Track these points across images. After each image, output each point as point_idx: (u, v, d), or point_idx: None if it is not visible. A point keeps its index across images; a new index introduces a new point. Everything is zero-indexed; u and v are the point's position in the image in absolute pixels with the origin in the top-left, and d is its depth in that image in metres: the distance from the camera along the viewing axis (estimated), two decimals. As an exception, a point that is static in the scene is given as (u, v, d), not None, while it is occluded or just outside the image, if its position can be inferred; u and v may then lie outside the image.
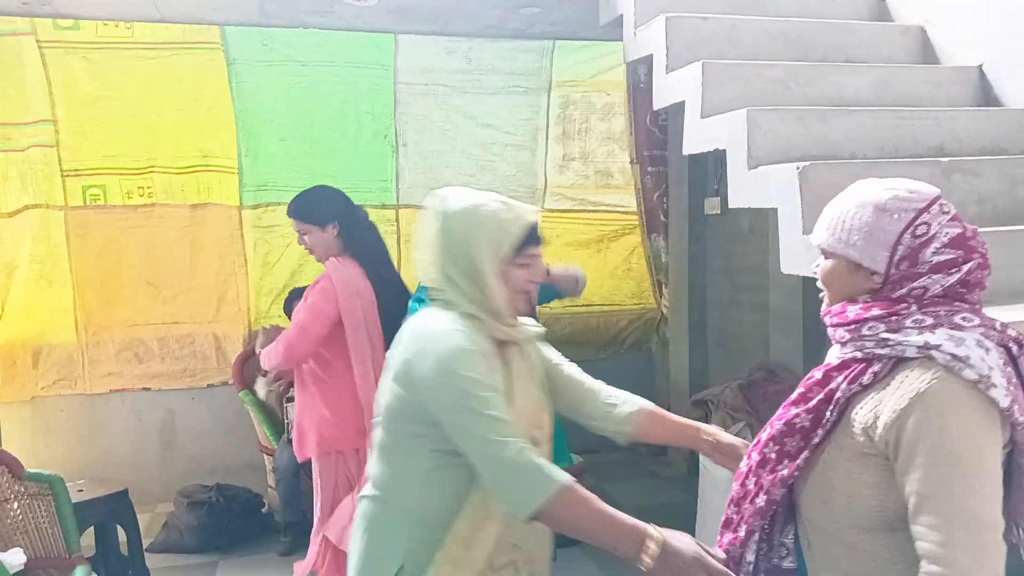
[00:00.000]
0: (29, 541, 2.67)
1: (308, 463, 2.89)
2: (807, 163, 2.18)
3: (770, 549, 1.47)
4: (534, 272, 1.64)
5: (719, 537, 1.53)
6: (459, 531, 1.54)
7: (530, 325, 1.73)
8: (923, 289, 1.28)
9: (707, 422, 3.79)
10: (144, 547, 3.44)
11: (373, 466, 1.64)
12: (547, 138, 4.78)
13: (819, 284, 1.43)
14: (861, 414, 1.31)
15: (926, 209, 1.29)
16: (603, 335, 4.95)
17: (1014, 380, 1.25)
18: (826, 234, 1.38)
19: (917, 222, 1.28)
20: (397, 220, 4.59)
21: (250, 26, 4.20)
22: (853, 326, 1.32)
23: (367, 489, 1.66)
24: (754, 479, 1.46)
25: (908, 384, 1.26)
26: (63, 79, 4.05)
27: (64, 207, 4.14)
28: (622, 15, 3.17)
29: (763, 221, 4.13)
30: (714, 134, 2.60)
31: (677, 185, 4.82)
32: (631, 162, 4.89)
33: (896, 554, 1.28)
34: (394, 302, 2.73)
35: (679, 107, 2.99)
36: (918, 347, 1.25)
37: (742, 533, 1.46)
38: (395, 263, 4.53)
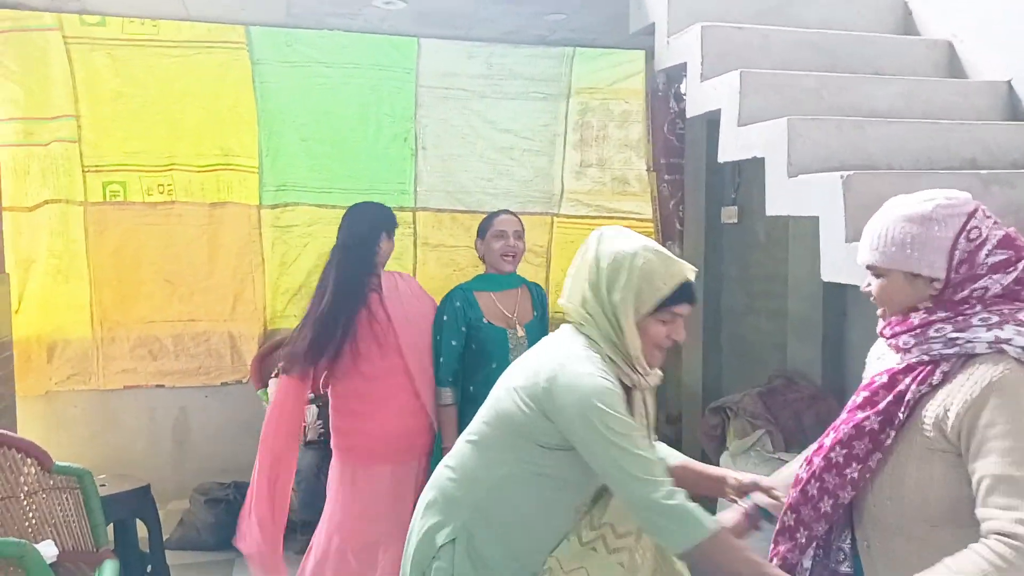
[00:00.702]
0: (57, 534, 2.66)
1: (327, 463, 2.93)
2: (851, 172, 2.21)
3: (826, 555, 1.50)
4: (676, 330, 1.65)
5: (773, 546, 1.56)
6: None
7: (655, 377, 1.74)
8: (984, 289, 1.34)
9: (724, 429, 3.86)
10: (160, 544, 3.43)
11: (462, 447, 1.70)
12: (565, 144, 4.80)
13: (872, 301, 1.47)
14: (931, 410, 1.35)
15: (973, 214, 1.36)
16: (616, 342, 4.96)
17: None
18: (875, 253, 1.43)
19: (969, 227, 1.35)
20: (414, 223, 4.60)
21: (276, 27, 4.21)
22: (919, 330, 1.39)
23: (447, 461, 1.73)
24: (818, 484, 1.49)
25: (979, 375, 1.30)
26: (87, 75, 4.05)
27: (84, 203, 4.13)
28: (653, 23, 3.21)
29: (780, 230, 4.16)
30: (751, 142, 2.63)
31: (694, 193, 4.86)
32: (648, 170, 4.92)
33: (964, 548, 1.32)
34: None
35: (699, 117, 3.03)
36: (988, 342, 1.30)
37: (803, 539, 1.48)
38: (411, 266, 4.64)
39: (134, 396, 4.34)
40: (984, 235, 1.35)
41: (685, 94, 3.93)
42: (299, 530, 3.74)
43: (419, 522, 1.71)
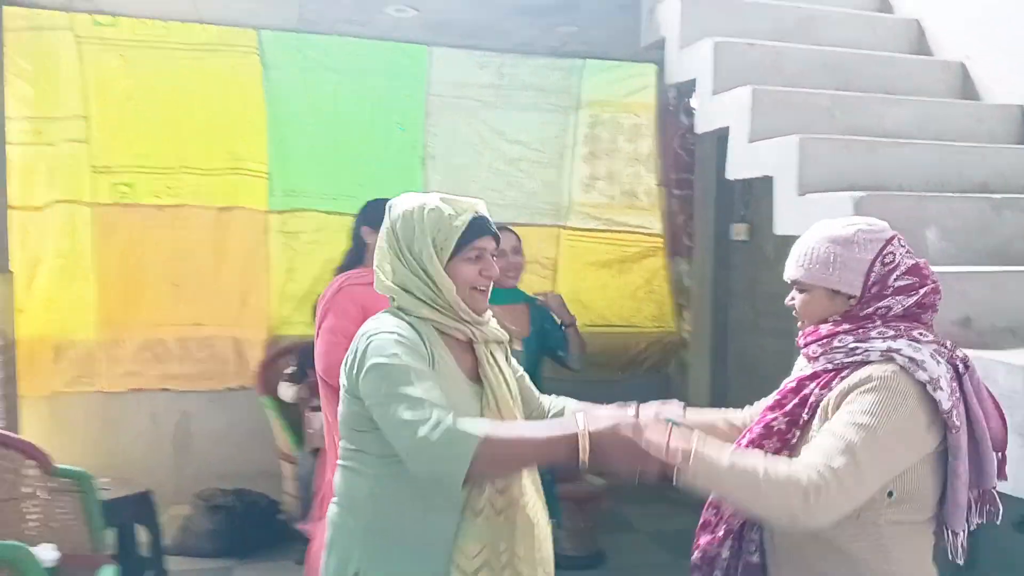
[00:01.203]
0: (56, 538, 2.64)
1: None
2: (864, 193, 2.20)
3: (740, 546, 1.59)
4: (486, 266, 1.63)
5: (696, 540, 1.64)
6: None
7: (494, 329, 1.70)
8: (887, 308, 1.50)
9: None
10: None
11: (337, 476, 1.64)
12: (573, 157, 4.80)
13: (795, 314, 1.62)
14: (824, 406, 1.49)
15: (890, 241, 1.51)
16: (621, 356, 4.94)
17: (957, 393, 1.44)
18: (801, 269, 1.57)
19: (884, 252, 1.50)
20: (422, 231, 4.59)
21: (288, 31, 4.22)
22: (825, 340, 1.52)
23: (334, 498, 1.66)
24: None
25: (863, 373, 1.45)
26: (98, 76, 4.06)
27: (92, 203, 4.13)
28: (664, 37, 3.20)
29: (789, 248, 4.13)
30: (761, 159, 2.61)
31: (703, 209, 4.84)
32: (657, 184, 4.92)
33: (862, 539, 1.45)
34: None
35: (710, 133, 3.02)
36: (881, 351, 1.45)
37: (720, 533, 1.59)
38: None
39: (137, 400, 4.33)
40: (896, 261, 1.50)
41: (696, 109, 3.93)
42: (300, 539, 3.72)
43: (323, 565, 1.62)
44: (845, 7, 3.30)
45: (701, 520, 1.62)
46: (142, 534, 3.31)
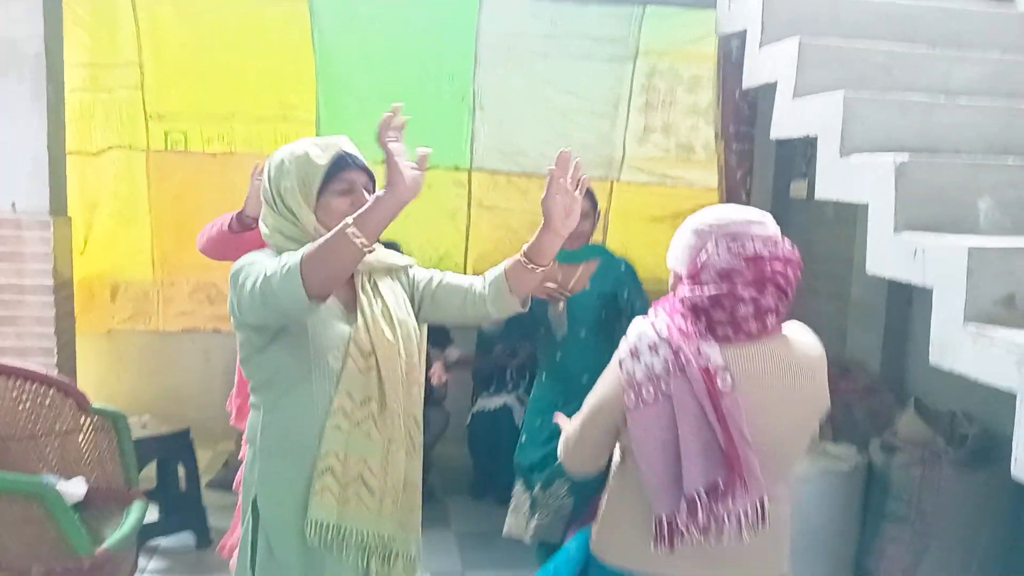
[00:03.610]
0: (92, 473, 2.76)
1: None
2: (906, 157, 2.03)
3: None
4: (356, 198, 1.71)
5: None
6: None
7: (389, 257, 1.84)
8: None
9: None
10: (204, 483, 3.54)
11: None
12: (629, 108, 4.62)
13: None
14: None
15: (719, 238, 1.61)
16: (672, 315, 4.82)
17: (662, 385, 1.52)
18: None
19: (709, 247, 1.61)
20: (469, 183, 4.53)
21: (337, -22, 4.16)
22: None
23: None
24: None
25: None
26: (152, 24, 4.09)
27: (146, 150, 4.22)
28: (719, -16, 3.02)
29: (850, 209, 3.92)
30: (806, 118, 2.45)
31: (763, 165, 4.63)
32: (716, 137, 4.70)
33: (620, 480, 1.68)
34: None
35: (770, 86, 2.84)
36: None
37: None
38: (464, 226, 4.60)
39: (191, 339, 4.47)
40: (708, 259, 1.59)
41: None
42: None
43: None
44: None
45: None
46: (181, 470, 3.44)
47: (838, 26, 2.68)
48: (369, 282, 1.78)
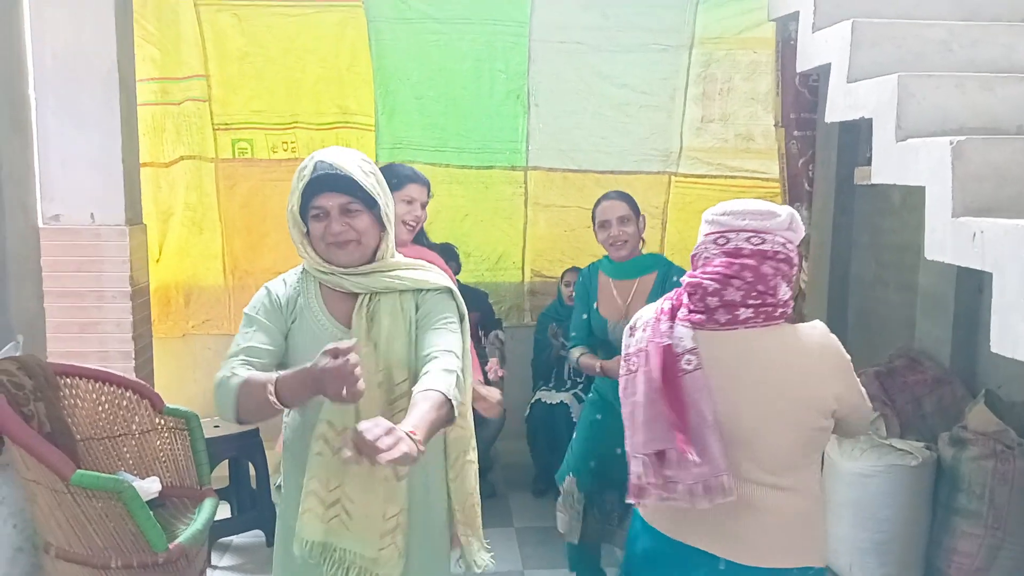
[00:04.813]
0: (166, 471, 2.89)
1: None
2: (962, 137, 1.96)
3: None
4: (328, 224, 1.66)
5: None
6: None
7: (407, 276, 1.75)
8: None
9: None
10: (274, 483, 3.65)
11: None
12: (685, 98, 4.56)
13: None
14: None
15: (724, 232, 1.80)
16: (733, 307, 4.74)
17: (660, 347, 1.66)
18: None
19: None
20: (526, 182, 4.56)
21: (392, -18, 4.24)
22: None
23: None
24: None
25: None
26: (214, 35, 4.25)
27: (215, 159, 4.39)
28: (771, -32, 2.96)
29: (918, 195, 3.78)
30: (860, 100, 2.39)
31: (825, 151, 4.50)
32: (776, 125, 4.59)
33: None
34: None
35: (828, 69, 2.77)
36: None
37: None
38: (522, 225, 4.62)
39: (261, 342, 4.60)
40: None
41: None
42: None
43: None
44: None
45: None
46: (252, 469, 3.56)
47: (893, 4, 2.60)
48: (369, 303, 1.72)
